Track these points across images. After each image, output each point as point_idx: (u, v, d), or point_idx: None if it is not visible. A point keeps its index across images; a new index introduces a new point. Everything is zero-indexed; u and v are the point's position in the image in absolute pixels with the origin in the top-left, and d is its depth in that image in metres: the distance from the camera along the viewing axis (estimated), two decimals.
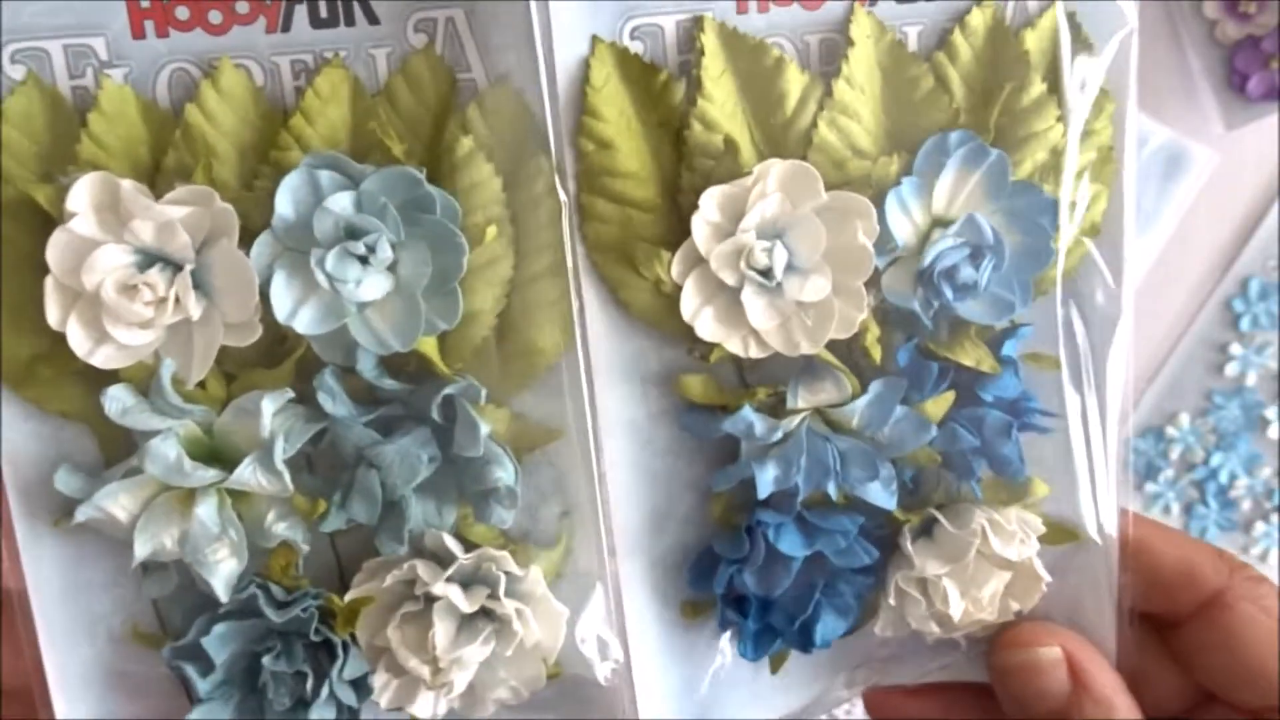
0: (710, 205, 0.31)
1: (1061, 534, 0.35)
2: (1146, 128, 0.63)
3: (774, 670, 0.35)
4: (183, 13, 0.30)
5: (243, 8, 0.31)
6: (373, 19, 0.31)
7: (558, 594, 0.34)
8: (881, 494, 0.32)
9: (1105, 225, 0.34)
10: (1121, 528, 0.35)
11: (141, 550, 0.31)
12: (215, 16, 0.31)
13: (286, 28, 0.31)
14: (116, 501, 0.31)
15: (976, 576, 0.33)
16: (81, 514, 0.31)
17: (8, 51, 0.30)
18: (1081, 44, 0.33)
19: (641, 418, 0.34)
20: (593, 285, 0.32)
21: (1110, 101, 0.34)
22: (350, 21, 0.31)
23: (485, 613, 0.33)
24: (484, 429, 0.31)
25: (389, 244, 0.30)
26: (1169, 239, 0.63)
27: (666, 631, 0.35)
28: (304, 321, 0.30)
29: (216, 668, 0.32)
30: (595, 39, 0.31)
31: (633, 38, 0.31)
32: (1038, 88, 0.32)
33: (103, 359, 0.30)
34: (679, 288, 0.32)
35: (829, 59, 0.32)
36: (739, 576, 0.33)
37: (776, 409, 0.32)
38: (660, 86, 0.32)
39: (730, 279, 0.31)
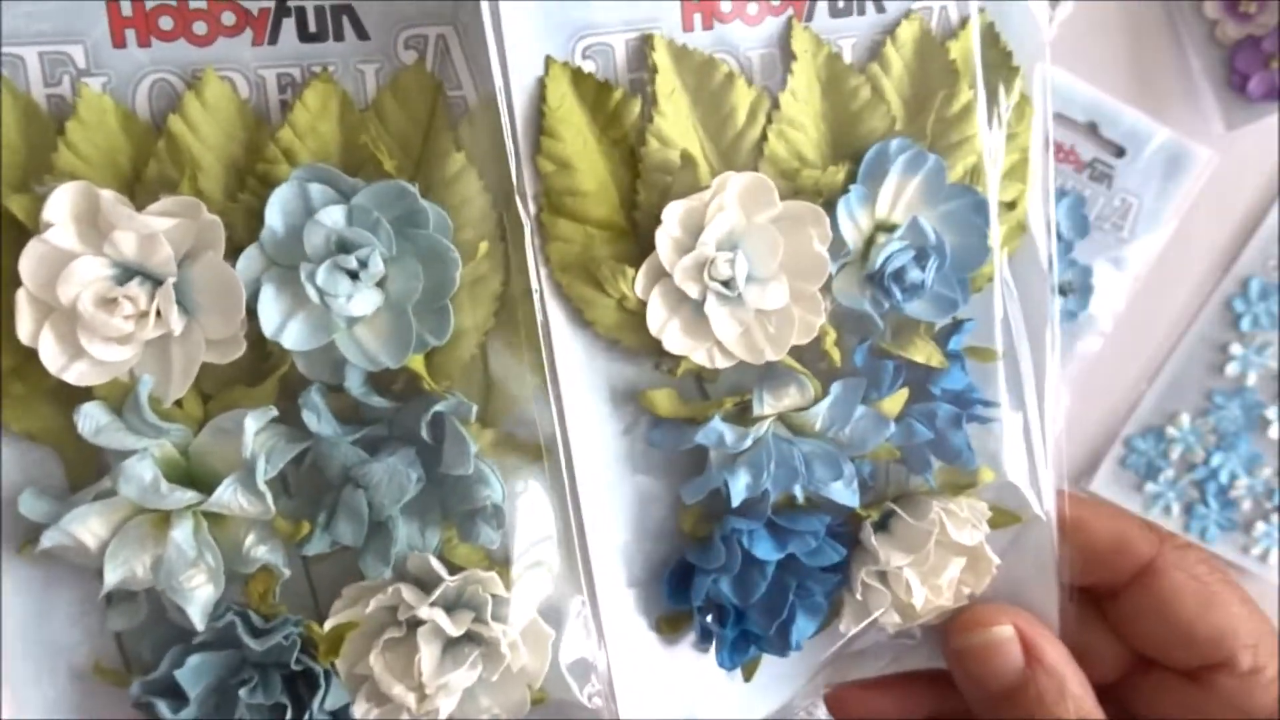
0: (673, 220, 0.32)
1: (1005, 517, 0.36)
2: (1147, 128, 0.63)
3: (747, 678, 0.35)
4: (166, 22, 0.30)
5: (229, 19, 0.30)
6: (362, 34, 0.31)
7: (542, 616, 0.33)
8: (845, 493, 0.33)
9: (1031, 223, 0.36)
10: (1059, 507, 0.36)
11: (112, 577, 0.29)
12: (200, 27, 0.30)
13: (274, 40, 0.31)
14: (86, 526, 0.29)
15: (936, 565, 0.34)
16: (48, 539, 0.29)
17: None
18: (1000, 52, 0.35)
19: (610, 435, 0.34)
20: (558, 305, 0.32)
21: (1029, 105, 0.36)
22: (339, 36, 0.31)
23: (471, 637, 0.32)
24: (473, 447, 0.31)
25: (380, 258, 0.30)
26: (1169, 239, 0.64)
27: (645, 649, 0.35)
28: (292, 337, 0.30)
29: (190, 702, 0.30)
30: (548, 59, 0.31)
31: (584, 57, 0.32)
32: (965, 95, 0.34)
33: (76, 375, 0.29)
34: (643, 304, 0.32)
35: (770, 73, 0.33)
36: (716, 586, 0.33)
37: (742, 417, 0.33)
38: (615, 105, 0.32)
39: (693, 291, 0.32)
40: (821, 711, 0.48)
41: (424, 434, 0.31)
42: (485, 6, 0.30)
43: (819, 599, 0.34)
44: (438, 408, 0.31)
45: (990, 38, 0.35)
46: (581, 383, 0.33)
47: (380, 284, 0.30)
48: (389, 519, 0.31)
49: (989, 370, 0.35)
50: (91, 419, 0.29)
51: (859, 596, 0.34)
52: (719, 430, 0.32)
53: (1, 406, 0.29)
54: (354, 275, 0.30)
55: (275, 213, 0.29)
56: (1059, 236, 0.61)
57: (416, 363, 0.31)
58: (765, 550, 0.33)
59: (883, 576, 0.35)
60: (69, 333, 0.29)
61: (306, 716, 0.31)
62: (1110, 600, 0.38)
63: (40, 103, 0.29)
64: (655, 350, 0.32)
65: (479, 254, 0.31)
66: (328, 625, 0.31)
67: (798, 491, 0.33)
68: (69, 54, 0.29)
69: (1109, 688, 0.38)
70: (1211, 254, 0.65)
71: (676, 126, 0.32)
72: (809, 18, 0.33)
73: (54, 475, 0.30)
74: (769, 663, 0.36)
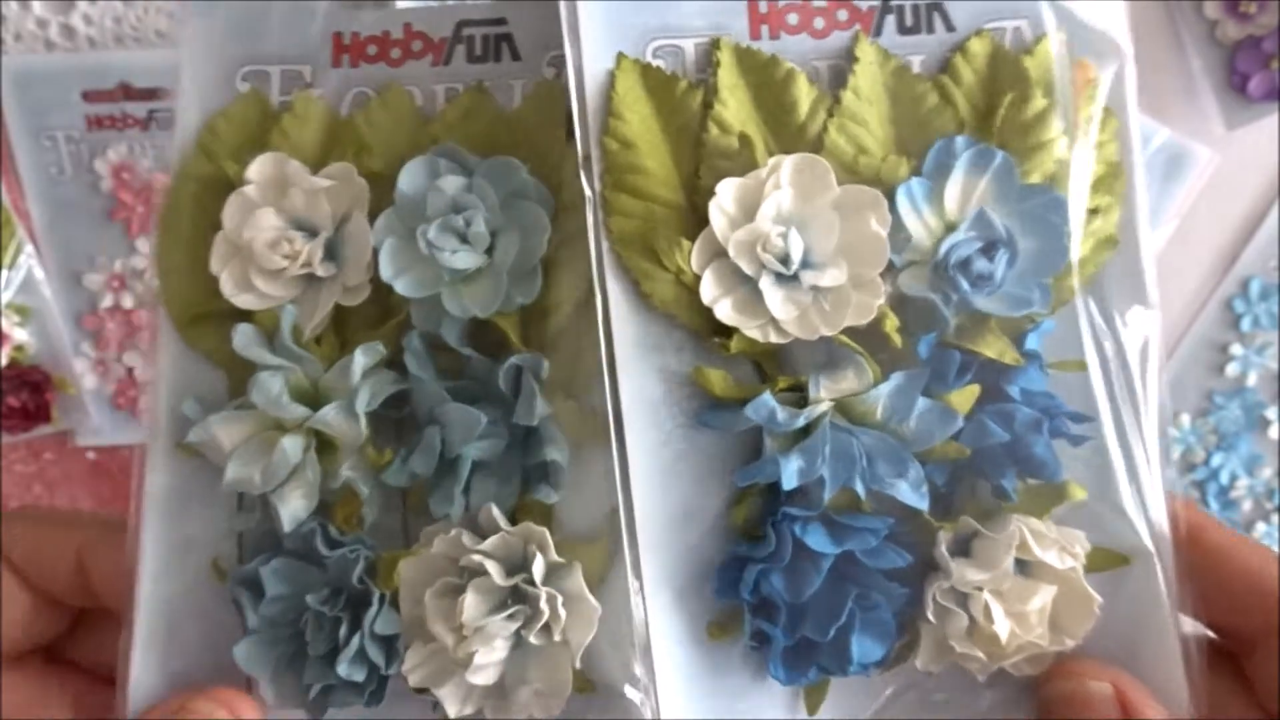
0: (727, 195, 0.32)
1: (1107, 558, 0.30)
2: (1147, 128, 0.61)
3: (811, 712, 0.31)
4: (371, 49, 0.38)
5: (417, 46, 0.37)
6: (516, 56, 0.37)
7: (598, 595, 0.33)
8: (911, 494, 0.30)
9: (1122, 236, 0.33)
10: (1175, 539, 0.30)
11: (231, 475, 0.34)
12: (395, 53, 0.38)
13: (448, 62, 0.37)
14: (224, 428, 0.35)
15: (1019, 590, 0.29)
16: (193, 435, 0.35)
17: (240, 72, 0.38)
18: (1080, 67, 0.34)
19: (665, 415, 0.34)
20: (616, 278, 0.34)
21: (1113, 118, 0.34)
22: (498, 58, 0.37)
23: (519, 594, 0.33)
24: (542, 402, 0.33)
25: (484, 221, 0.34)
26: (1169, 239, 0.62)
27: (693, 652, 0.33)
28: (404, 284, 0.34)
29: (266, 599, 0.34)
30: (620, 55, 0.34)
31: (655, 57, 0.35)
32: (1040, 102, 0.33)
33: (243, 302, 0.35)
34: (699, 278, 0.33)
35: (837, 83, 0.34)
36: (766, 579, 0.31)
37: (799, 403, 0.32)
38: (680, 95, 0.34)
39: (749, 268, 0.32)
40: None
41: (500, 384, 0.33)
42: (563, 8, 0.34)
43: (884, 614, 0.31)
44: (514, 360, 0.34)
45: (1067, 55, 0.34)
46: (638, 359, 0.33)
47: (484, 248, 0.34)
48: (459, 458, 0.33)
49: (1080, 383, 0.32)
50: (244, 335, 0.35)
51: (932, 618, 0.30)
52: (770, 405, 0.31)
53: (190, 329, 0.36)
54: (464, 238, 0.34)
55: (406, 180, 0.35)
56: None
57: (509, 323, 0.34)
58: (819, 541, 0.30)
59: (960, 598, 0.30)
60: (244, 268, 0.35)
61: (358, 636, 0.33)
62: (1248, 656, 0.30)
63: (274, 106, 0.38)
64: (711, 329, 0.33)
65: (568, 223, 0.34)
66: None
67: (859, 489, 0.31)
68: (300, 71, 0.38)
69: None
70: (1211, 254, 0.66)
71: (738, 115, 0.34)
72: (876, 33, 0.34)
73: (219, 392, 0.36)
74: (837, 697, 0.32)
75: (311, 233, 0.35)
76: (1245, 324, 0.67)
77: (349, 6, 0.38)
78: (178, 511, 0.36)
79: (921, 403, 0.31)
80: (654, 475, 0.33)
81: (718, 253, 0.33)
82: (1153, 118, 0.62)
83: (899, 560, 0.31)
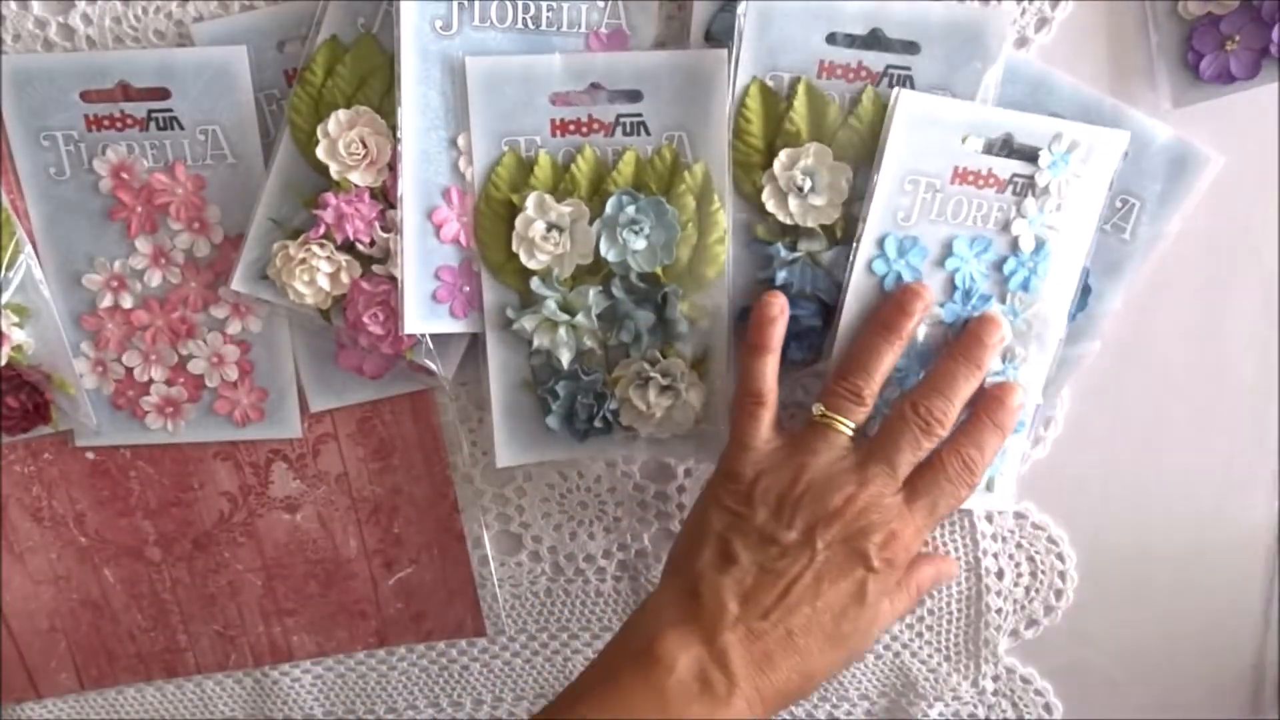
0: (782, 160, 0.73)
1: None
2: (1151, 128, 0.60)
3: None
4: (571, 127, 0.75)
5: (597, 126, 0.75)
6: (649, 132, 0.75)
7: (708, 378, 0.77)
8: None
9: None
10: None
11: (536, 341, 0.75)
12: (585, 130, 0.75)
13: (613, 135, 0.75)
14: (528, 323, 0.76)
15: None
16: (515, 326, 0.76)
17: (505, 139, 0.75)
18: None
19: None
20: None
21: None
22: (639, 134, 0.75)
23: (670, 388, 0.76)
24: (679, 306, 0.75)
25: (647, 225, 0.74)
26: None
27: None
28: (610, 254, 0.74)
29: (560, 398, 0.77)
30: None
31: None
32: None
33: (531, 264, 0.75)
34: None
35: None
36: None
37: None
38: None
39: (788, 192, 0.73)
40: (821, 714, 0.86)
41: (658, 300, 0.75)
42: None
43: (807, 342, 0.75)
44: (666, 289, 0.75)
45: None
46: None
47: (646, 237, 0.74)
48: (639, 332, 0.75)
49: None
50: (534, 280, 0.75)
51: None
52: (779, 250, 0.74)
53: (500, 274, 0.76)
54: (637, 233, 0.74)
55: (610, 205, 0.74)
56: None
57: (658, 271, 0.75)
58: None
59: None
60: (530, 248, 0.75)
61: (602, 412, 0.76)
62: None
63: (525, 158, 0.76)
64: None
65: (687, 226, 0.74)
66: (613, 377, 0.77)
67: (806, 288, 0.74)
68: (536, 139, 0.75)
69: None
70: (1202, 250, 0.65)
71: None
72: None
73: (517, 304, 0.77)
74: None
75: (560, 230, 0.75)
76: (1013, 284, 0.64)
77: (559, 108, 0.75)
78: (508, 381, 0.77)
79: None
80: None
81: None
82: (1105, 91, 0.60)
83: (817, 322, 0.74)
